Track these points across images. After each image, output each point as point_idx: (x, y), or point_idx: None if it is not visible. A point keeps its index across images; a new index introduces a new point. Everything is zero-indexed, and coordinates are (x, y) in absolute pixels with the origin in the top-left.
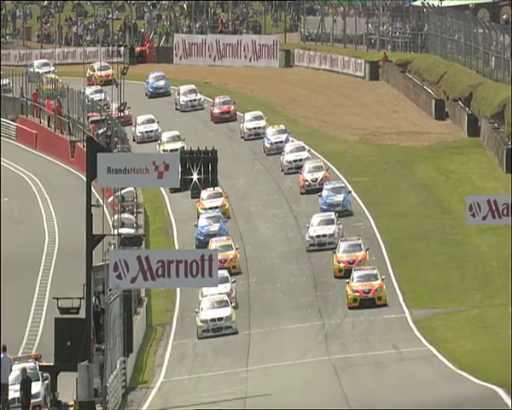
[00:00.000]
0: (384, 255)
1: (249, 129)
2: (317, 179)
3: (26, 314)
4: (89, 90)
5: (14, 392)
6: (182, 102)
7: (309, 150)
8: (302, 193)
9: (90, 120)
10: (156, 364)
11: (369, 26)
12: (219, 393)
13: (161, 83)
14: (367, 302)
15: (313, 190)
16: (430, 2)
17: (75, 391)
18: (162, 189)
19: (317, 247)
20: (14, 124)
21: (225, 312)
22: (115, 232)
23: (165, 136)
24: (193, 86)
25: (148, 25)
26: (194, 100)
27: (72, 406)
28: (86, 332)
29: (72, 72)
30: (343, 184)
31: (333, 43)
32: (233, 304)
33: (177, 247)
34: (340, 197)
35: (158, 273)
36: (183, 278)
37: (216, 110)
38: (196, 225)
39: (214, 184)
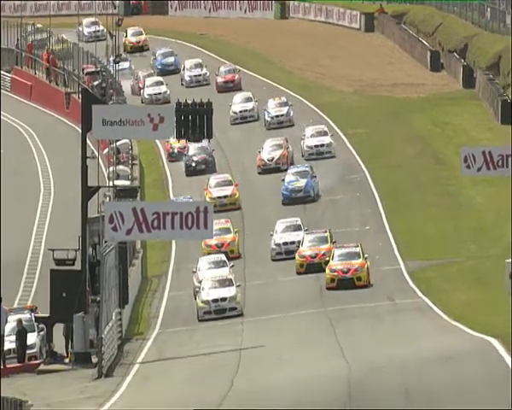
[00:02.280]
0: (379, 207)
1: (235, 112)
2: (273, 158)
3: (21, 265)
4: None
5: (9, 343)
6: (187, 78)
7: (332, 135)
8: (259, 173)
9: (86, 71)
10: (152, 315)
11: None
12: (215, 344)
13: (170, 59)
14: (345, 283)
15: (269, 169)
16: None
17: (71, 342)
18: (157, 141)
19: (285, 255)
20: (9, 75)
21: (229, 292)
22: (110, 184)
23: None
24: (199, 60)
25: None
26: (199, 75)
27: (67, 357)
28: (82, 284)
29: (67, 23)
30: (307, 168)
31: None
32: (237, 283)
33: (171, 197)
34: (302, 183)
35: (153, 225)
36: (178, 230)
37: (220, 79)
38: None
39: (209, 136)
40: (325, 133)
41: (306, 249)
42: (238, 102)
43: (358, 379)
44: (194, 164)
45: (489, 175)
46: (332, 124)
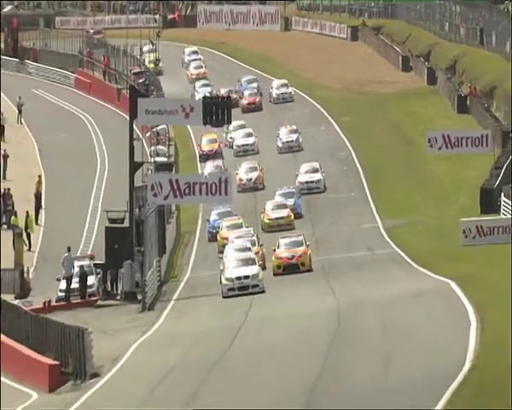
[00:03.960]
0: (362, 178)
1: (238, 146)
2: (251, 179)
3: (82, 223)
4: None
5: (74, 284)
6: (274, 96)
7: (323, 172)
8: (239, 191)
9: (132, 72)
10: (184, 262)
11: None
12: None
13: (254, 85)
14: (290, 268)
15: (248, 188)
16: None
17: (121, 284)
18: (188, 126)
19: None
20: (73, 75)
21: (252, 270)
22: (152, 160)
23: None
24: (285, 81)
25: None
26: (285, 93)
27: (118, 295)
28: (130, 238)
29: (118, 34)
30: (293, 189)
31: (322, 12)
32: (260, 262)
33: (199, 172)
34: (290, 202)
35: (185, 192)
36: (204, 196)
37: (275, 92)
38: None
39: (229, 121)
40: (317, 170)
41: (283, 251)
42: (240, 137)
43: (345, 311)
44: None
45: (447, 153)
46: (325, 113)
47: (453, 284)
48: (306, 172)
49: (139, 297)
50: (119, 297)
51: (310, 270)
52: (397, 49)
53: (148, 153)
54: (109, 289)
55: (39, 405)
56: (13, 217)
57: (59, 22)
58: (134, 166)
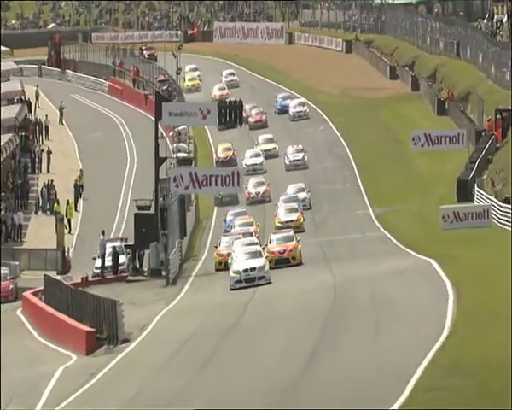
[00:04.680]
0: (355, 171)
1: (248, 165)
2: (259, 193)
3: (114, 211)
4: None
5: (107, 262)
6: (291, 113)
7: (308, 192)
8: (247, 204)
9: (158, 79)
10: (202, 244)
11: (346, 16)
12: None
13: (286, 102)
14: (282, 262)
15: (256, 201)
16: (386, 0)
17: (148, 262)
18: (206, 126)
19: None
20: (106, 82)
21: (258, 262)
22: (174, 156)
23: (260, 138)
24: (302, 100)
25: (197, 15)
26: (301, 111)
27: (145, 271)
28: (155, 222)
29: (146, 48)
30: (296, 195)
31: (321, 28)
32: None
33: (215, 166)
34: (303, 195)
35: (203, 183)
36: (219, 187)
37: (292, 110)
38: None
39: (240, 122)
40: (302, 190)
41: (275, 246)
42: (249, 157)
43: (340, 286)
44: (220, 197)
45: (429, 149)
46: (323, 114)
47: (433, 263)
48: (294, 193)
49: (163, 274)
50: (146, 274)
51: (300, 263)
52: (385, 60)
53: (171, 149)
54: (138, 266)
55: (78, 365)
56: (55, 205)
57: (95, 37)
58: (159, 161)
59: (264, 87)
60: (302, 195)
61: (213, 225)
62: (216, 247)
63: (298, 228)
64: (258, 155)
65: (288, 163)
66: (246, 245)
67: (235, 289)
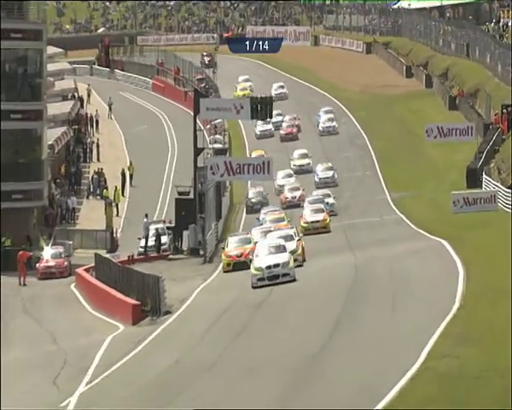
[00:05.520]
0: (374, 161)
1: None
2: (295, 197)
3: (157, 195)
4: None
5: (150, 242)
6: (320, 128)
7: (334, 197)
8: (283, 208)
9: (196, 78)
10: (236, 226)
11: (366, 20)
12: None
13: (330, 123)
14: (239, 265)
15: (292, 205)
16: (403, 5)
17: (187, 242)
18: (239, 120)
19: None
20: (151, 81)
21: (282, 258)
22: (211, 146)
23: (296, 153)
24: (331, 115)
25: (231, 20)
26: (330, 126)
27: (185, 251)
28: (194, 207)
29: (186, 49)
30: (321, 196)
31: (343, 31)
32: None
33: (247, 155)
34: (330, 200)
35: (237, 171)
36: (251, 174)
37: (321, 124)
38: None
39: (270, 116)
40: (322, 211)
41: (232, 250)
42: (281, 177)
43: (361, 265)
44: (251, 204)
45: (441, 141)
46: (345, 109)
47: (445, 243)
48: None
49: (201, 253)
50: (185, 253)
51: (304, 261)
52: (401, 60)
53: (208, 141)
54: (178, 246)
55: (125, 335)
56: (105, 190)
57: (140, 40)
58: (197, 151)
59: (293, 86)
60: (330, 200)
61: (245, 209)
62: (223, 248)
63: (324, 228)
64: (290, 176)
65: (317, 180)
66: (277, 238)
67: (257, 288)
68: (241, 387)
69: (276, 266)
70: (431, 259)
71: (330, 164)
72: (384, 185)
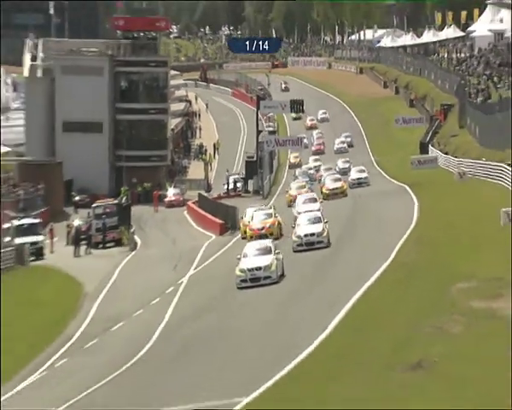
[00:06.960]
0: (364, 138)
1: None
2: (337, 188)
3: (234, 158)
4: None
5: (231, 186)
6: (350, 181)
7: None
8: (324, 198)
9: (258, 88)
10: (281, 177)
11: (359, 53)
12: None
13: (359, 174)
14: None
15: (332, 194)
16: (381, 44)
17: (252, 186)
18: (283, 114)
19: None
20: (231, 90)
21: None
22: (266, 129)
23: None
24: (362, 167)
25: (279, 53)
26: (361, 178)
27: (251, 192)
28: (256, 165)
29: (251, 71)
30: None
31: (346, 60)
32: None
33: (287, 168)
34: (364, 174)
35: (282, 144)
36: (292, 146)
37: (336, 146)
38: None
39: (302, 111)
40: (339, 180)
41: (257, 223)
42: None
43: (355, 209)
44: (290, 164)
45: (404, 126)
46: (347, 108)
47: (407, 187)
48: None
49: (260, 193)
50: (251, 193)
51: (278, 238)
52: (381, 78)
53: (264, 126)
54: (247, 188)
55: (215, 241)
56: (203, 155)
57: (224, 66)
58: (258, 132)
59: (314, 93)
60: (363, 174)
61: (287, 168)
62: (242, 217)
63: (342, 194)
64: (338, 180)
65: (351, 181)
66: (308, 202)
67: (298, 252)
68: None
69: (312, 234)
70: (398, 195)
71: (363, 167)
72: (370, 153)
